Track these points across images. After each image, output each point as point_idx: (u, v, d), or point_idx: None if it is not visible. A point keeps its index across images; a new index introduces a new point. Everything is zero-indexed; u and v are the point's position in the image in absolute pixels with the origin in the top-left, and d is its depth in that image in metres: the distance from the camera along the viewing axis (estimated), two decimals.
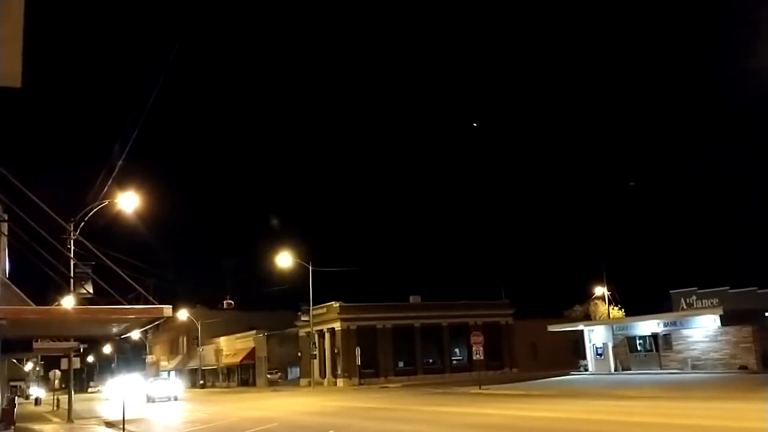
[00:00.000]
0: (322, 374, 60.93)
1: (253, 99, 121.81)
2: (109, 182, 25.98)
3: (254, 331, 72.53)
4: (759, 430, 15.48)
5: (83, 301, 28.06)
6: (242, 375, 77.37)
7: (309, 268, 56.20)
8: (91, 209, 29.93)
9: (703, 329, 40.14)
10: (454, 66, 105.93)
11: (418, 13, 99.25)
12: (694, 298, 44.16)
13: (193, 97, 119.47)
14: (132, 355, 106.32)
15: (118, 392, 55.42)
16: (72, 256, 27.42)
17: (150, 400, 48.96)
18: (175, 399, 49.51)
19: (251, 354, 72.84)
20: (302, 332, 63.59)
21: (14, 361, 48.38)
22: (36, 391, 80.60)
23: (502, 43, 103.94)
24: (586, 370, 47.67)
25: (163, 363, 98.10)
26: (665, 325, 42.43)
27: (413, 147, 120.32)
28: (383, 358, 58.25)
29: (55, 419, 35.58)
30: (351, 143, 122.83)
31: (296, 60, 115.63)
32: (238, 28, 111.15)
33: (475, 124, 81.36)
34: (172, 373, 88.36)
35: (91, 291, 27.27)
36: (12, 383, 62.70)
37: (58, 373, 50.45)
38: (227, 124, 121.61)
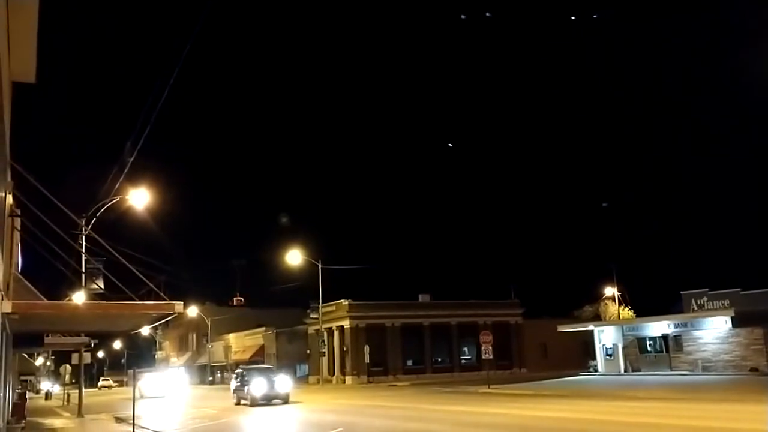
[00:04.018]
0: (331, 372, 60.99)
1: (264, 98, 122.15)
2: (121, 179, 26.14)
3: (263, 329, 72.71)
4: None
5: (94, 296, 28.20)
6: None
7: (318, 266, 56.26)
8: (103, 205, 30.12)
9: (714, 331, 39.91)
10: (461, 72, 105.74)
11: (422, 20, 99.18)
12: (705, 299, 43.95)
13: (206, 96, 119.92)
14: (142, 351, 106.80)
15: (156, 389, 53.64)
16: (84, 251, 27.58)
17: (248, 400, 33.38)
18: (285, 402, 32.74)
19: (260, 351, 72.99)
20: (311, 330, 63.67)
21: (25, 355, 48.69)
22: (46, 385, 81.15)
23: (505, 48, 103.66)
24: (596, 370, 47.51)
25: (173, 359, 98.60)
26: (676, 326, 42.21)
27: (423, 146, 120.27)
28: (392, 357, 58.26)
29: (66, 414, 35.73)
30: (361, 141, 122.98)
31: (307, 60, 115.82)
32: (251, 27, 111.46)
33: (450, 145, 79.02)
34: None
35: (103, 286, 27.36)
36: (23, 378, 63.19)
37: (68, 368, 50.71)
38: (239, 122, 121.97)
